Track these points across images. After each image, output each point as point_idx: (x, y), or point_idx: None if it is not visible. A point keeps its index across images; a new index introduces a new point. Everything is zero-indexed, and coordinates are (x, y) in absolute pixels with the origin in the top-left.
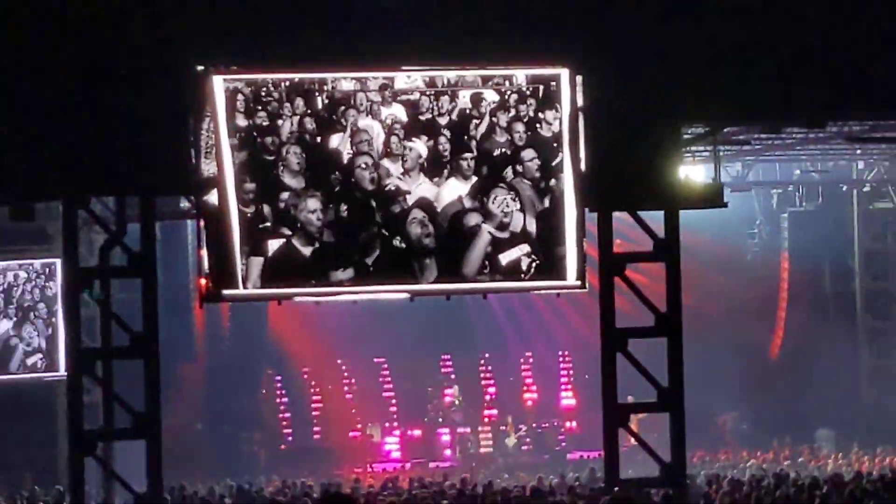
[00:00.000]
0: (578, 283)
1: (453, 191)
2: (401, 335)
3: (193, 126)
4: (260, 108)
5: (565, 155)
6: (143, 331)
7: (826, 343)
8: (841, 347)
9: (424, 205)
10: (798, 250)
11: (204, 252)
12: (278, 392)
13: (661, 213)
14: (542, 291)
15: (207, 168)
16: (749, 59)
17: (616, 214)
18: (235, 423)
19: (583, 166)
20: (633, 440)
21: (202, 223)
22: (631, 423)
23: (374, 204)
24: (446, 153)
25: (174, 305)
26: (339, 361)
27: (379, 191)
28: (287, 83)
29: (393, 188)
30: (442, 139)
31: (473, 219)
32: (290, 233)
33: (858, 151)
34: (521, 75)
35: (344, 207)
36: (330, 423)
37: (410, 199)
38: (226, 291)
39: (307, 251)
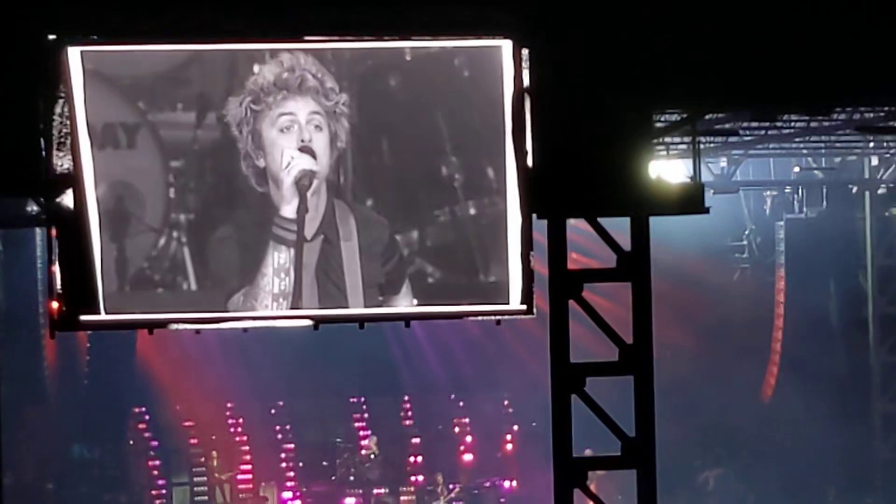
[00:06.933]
0: (524, 307)
1: None
2: (303, 372)
3: (43, 110)
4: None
5: (507, 148)
6: None
7: (833, 381)
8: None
9: None
10: (797, 267)
11: (56, 268)
12: (150, 442)
13: (628, 220)
14: (479, 318)
15: (61, 163)
16: (736, 28)
17: (571, 222)
18: (95, 482)
19: (529, 162)
20: None
21: (54, 232)
22: (589, 482)
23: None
24: None
25: (18, 334)
26: (226, 405)
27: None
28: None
29: None
30: None
31: None
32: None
33: (872, 144)
34: (450, 47)
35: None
36: (213, 483)
37: None
38: (84, 317)
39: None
